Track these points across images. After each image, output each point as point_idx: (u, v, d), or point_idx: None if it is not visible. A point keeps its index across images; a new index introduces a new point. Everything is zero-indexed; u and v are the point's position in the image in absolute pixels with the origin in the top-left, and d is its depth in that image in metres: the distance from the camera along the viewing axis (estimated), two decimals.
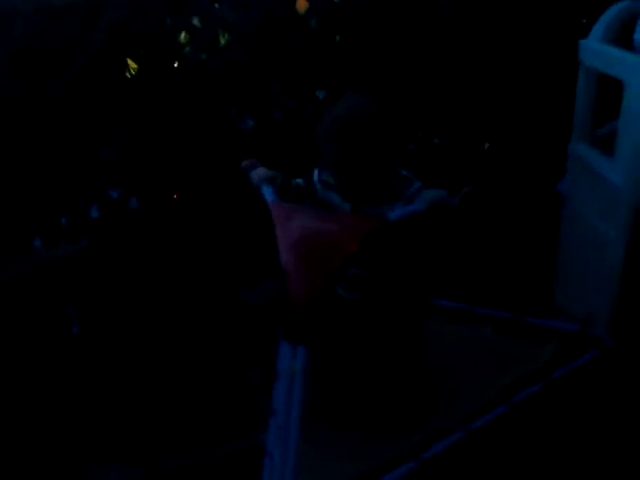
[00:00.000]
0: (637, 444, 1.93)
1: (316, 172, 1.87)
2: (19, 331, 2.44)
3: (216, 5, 2.95)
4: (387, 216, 1.65)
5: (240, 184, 1.94)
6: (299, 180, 1.86)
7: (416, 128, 3.04)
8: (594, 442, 1.94)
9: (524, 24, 3.07)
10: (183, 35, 2.98)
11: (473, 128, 3.12)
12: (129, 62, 2.90)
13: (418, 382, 1.93)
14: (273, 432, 1.64)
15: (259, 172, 1.83)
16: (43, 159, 2.76)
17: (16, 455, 2.06)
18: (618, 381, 2.05)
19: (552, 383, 1.99)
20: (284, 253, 1.62)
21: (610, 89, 2.28)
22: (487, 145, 3.17)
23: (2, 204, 2.70)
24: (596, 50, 2.21)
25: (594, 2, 2.49)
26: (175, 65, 2.92)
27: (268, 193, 1.78)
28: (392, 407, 1.92)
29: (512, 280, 2.62)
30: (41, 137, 2.75)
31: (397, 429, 1.88)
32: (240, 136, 2.90)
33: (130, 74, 2.93)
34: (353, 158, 1.72)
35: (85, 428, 2.13)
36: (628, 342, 2.10)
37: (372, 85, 2.92)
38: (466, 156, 3.07)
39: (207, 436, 2.06)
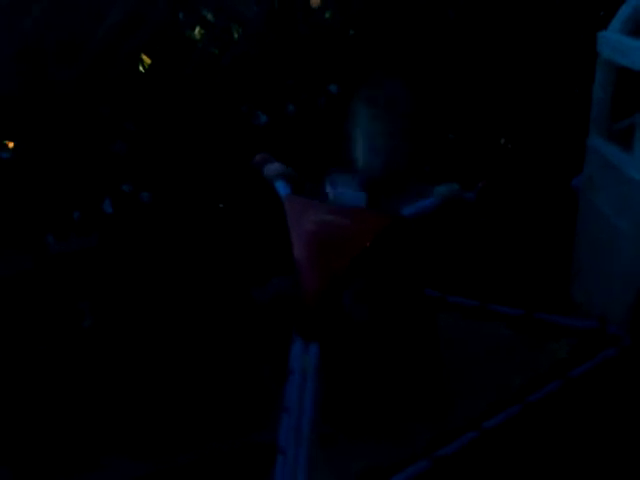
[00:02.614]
0: None
1: (328, 182, 1.82)
2: (30, 324, 2.45)
3: None
4: (401, 211, 1.63)
5: (252, 179, 1.93)
6: (310, 186, 1.84)
7: (432, 123, 3.01)
8: (611, 441, 1.91)
9: (541, 16, 3.04)
10: (197, 30, 2.97)
11: (488, 123, 3.09)
12: (143, 57, 2.90)
13: (432, 379, 1.91)
14: (286, 429, 1.63)
15: (272, 167, 1.82)
16: (55, 154, 2.76)
17: (28, 447, 2.06)
18: (636, 379, 2.02)
19: (568, 382, 1.96)
20: (297, 247, 1.61)
21: (629, 82, 2.25)
22: (503, 140, 3.14)
23: (15, 199, 2.70)
24: (615, 42, 2.17)
25: None
26: (188, 60, 2.91)
27: (282, 187, 1.77)
28: (406, 404, 1.89)
29: (528, 276, 2.59)
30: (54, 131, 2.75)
31: (411, 426, 1.86)
32: (253, 131, 2.89)
33: (143, 68, 2.92)
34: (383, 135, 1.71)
35: (97, 421, 2.13)
36: None
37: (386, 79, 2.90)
38: (482, 151, 3.04)
39: (218, 431, 2.06)
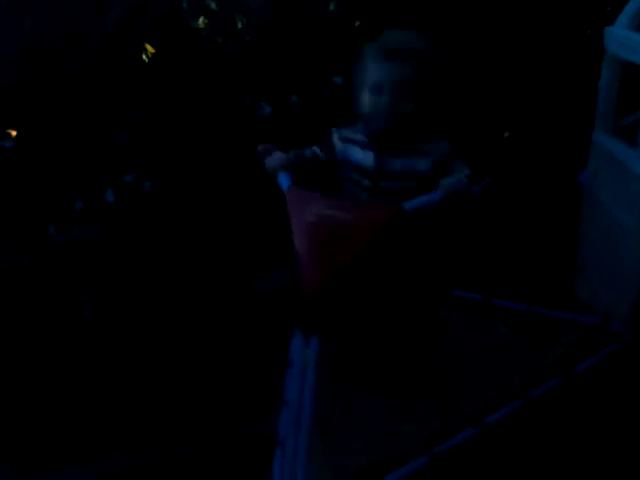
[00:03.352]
0: None
1: (334, 131, 1.85)
2: (30, 315, 2.45)
3: None
4: (403, 205, 1.63)
5: (255, 170, 1.92)
6: (314, 147, 1.85)
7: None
8: (611, 438, 1.91)
9: (548, 11, 3.02)
10: (201, 20, 2.96)
11: (492, 116, 3.08)
12: (147, 46, 2.89)
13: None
14: (285, 422, 1.63)
15: (274, 158, 1.81)
16: (58, 144, 2.76)
17: (28, 438, 2.06)
18: (637, 377, 2.02)
19: (570, 378, 1.96)
20: (298, 240, 1.60)
21: (634, 78, 2.24)
22: (507, 134, 3.13)
23: (17, 189, 2.70)
24: (622, 37, 2.16)
25: None
26: (192, 49, 2.90)
27: (284, 179, 1.76)
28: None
29: (532, 272, 2.58)
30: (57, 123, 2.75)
31: (411, 421, 1.85)
32: (256, 122, 2.88)
33: (147, 57, 2.91)
34: (393, 86, 1.70)
35: (96, 413, 2.12)
36: None
37: None
38: (486, 145, 3.03)
39: (218, 424, 2.05)
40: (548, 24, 3.04)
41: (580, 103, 2.91)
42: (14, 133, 2.77)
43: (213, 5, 2.93)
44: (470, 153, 2.95)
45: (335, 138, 1.84)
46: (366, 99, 1.75)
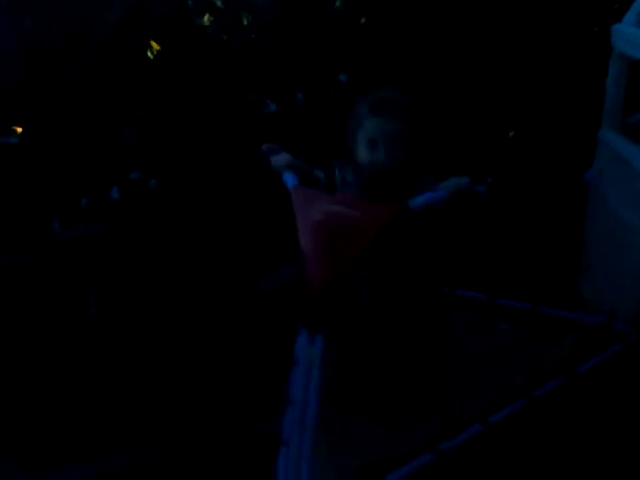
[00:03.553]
0: None
1: (337, 166, 1.85)
2: (35, 313, 2.45)
3: None
4: (409, 204, 1.63)
5: (260, 168, 1.92)
6: (320, 174, 1.84)
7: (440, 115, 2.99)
8: (614, 438, 1.91)
9: (555, 8, 3.01)
10: (206, 17, 2.96)
11: (498, 115, 3.07)
12: (152, 44, 2.89)
13: (436, 372, 1.90)
14: (290, 420, 1.63)
15: (280, 158, 1.81)
16: (64, 141, 2.76)
17: (32, 433, 2.07)
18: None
19: (574, 378, 1.95)
20: (304, 238, 1.60)
21: None
22: (512, 133, 3.12)
23: (22, 186, 2.71)
24: (629, 35, 2.15)
25: None
26: (197, 47, 2.90)
27: (290, 178, 1.76)
28: (410, 392, 1.88)
29: (537, 271, 2.58)
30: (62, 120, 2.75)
31: (415, 419, 1.85)
32: (262, 119, 2.88)
33: (152, 54, 2.91)
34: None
35: (101, 409, 2.13)
36: None
37: (395, 69, 2.88)
38: (490, 144, 3.02)
39: (223, 421, 2.06)
40: (555, 21, 3.03)
41: (586, 101, 2.90)
42: (19, 130, 2.77)
43: (219, 2, 2.93)
44: (476, 152, 2.96)
45: (337, 172, 1.84)
46: (361, 153, 1.75)
